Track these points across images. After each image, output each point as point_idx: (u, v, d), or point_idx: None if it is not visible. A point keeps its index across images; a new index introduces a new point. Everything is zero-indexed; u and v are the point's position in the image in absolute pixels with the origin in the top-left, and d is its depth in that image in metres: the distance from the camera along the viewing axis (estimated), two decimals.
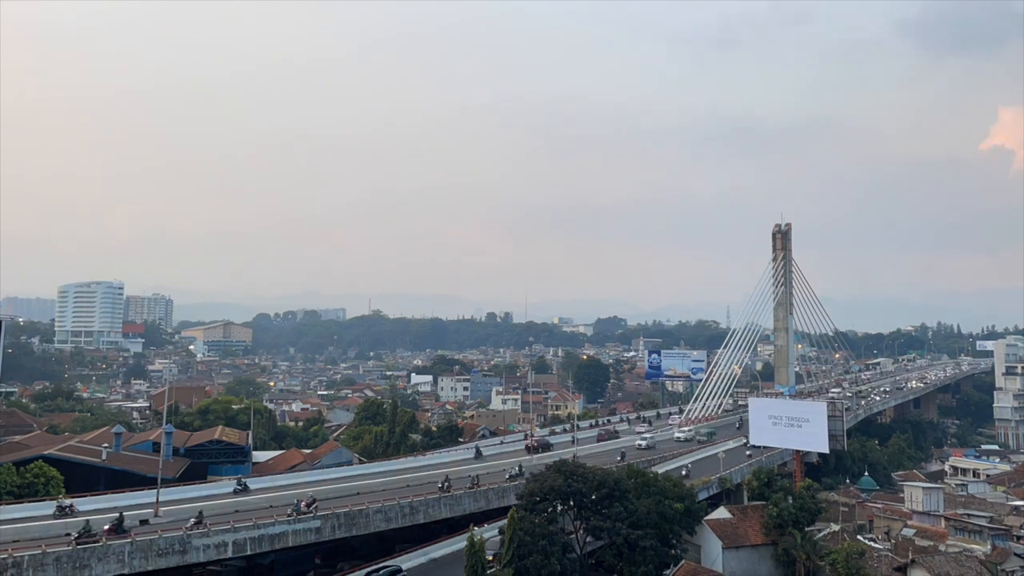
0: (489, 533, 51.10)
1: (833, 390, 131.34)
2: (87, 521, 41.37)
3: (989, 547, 56.61)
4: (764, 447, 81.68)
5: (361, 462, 78.34)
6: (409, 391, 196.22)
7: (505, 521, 46.91)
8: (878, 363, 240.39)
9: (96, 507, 48.78)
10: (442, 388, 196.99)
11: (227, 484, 59.23)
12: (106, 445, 74.17)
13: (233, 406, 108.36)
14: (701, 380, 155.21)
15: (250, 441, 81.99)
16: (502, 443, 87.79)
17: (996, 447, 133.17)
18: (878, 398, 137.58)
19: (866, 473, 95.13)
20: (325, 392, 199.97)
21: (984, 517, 64.14)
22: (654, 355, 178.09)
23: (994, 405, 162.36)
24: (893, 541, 60.21)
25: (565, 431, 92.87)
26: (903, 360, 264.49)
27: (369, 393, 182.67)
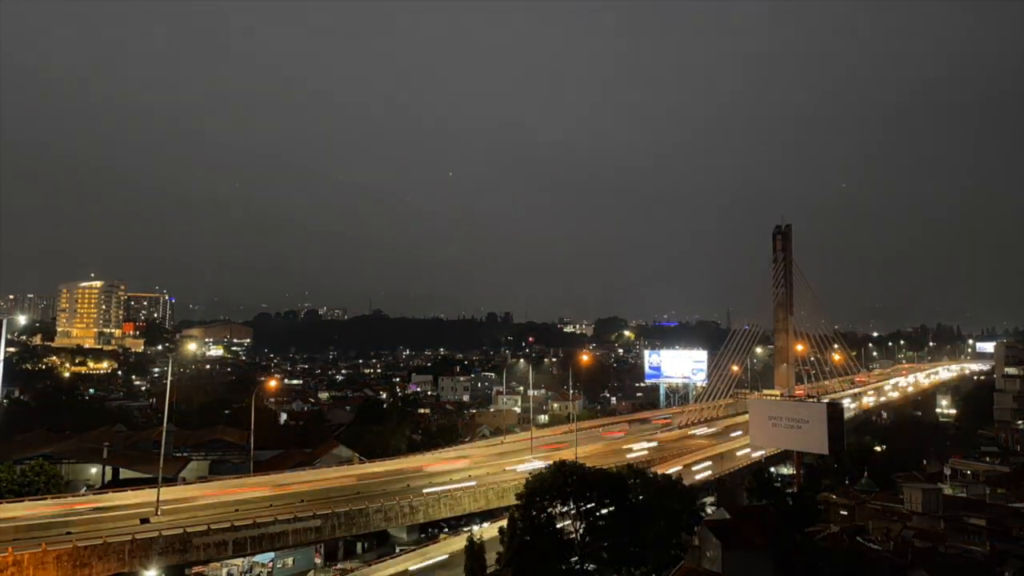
0: (489, 533, 51.24)
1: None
2: None
3: (988, 548, 56.66)
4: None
5: (361, 462, 78.46)
6: (409, 391, 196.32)
7: (505, 521, 47.06)
8: (876, 366, 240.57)
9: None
10: (442, 388, 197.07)
11: None
12: (107, 443, 74.39)
13: (233, 405, 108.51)
14: (701, 380, 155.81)
15: (250, 440, 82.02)
16: None
17: (996, 449, 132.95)
18: None
19: (865, 474, 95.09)
20: (325, 392, 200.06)
21: (983, 519, 64.16)
22: (654, 355, 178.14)
23: (994, 407, 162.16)
24: (892, 542, 60.22)
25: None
26: (904, 362, 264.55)
27: (369, 393, 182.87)
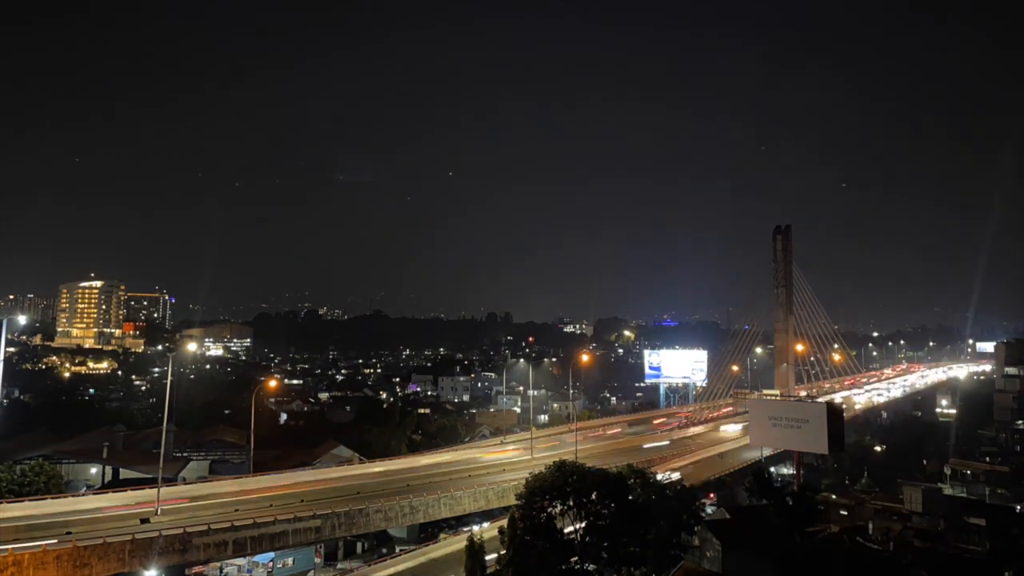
0: (489, 533, 51.24)
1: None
2: None
3: (988, 548, 56.74)
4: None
5: (361, 462, 78.50)
6: (409, 391, 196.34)
7: (505, 521, 47.07)
8: (876, 365, 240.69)
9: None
10: (442, 388, 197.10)
11: None
12: (107, 443, 74.45)
13: (233, 405, 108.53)
14: (701, 380, 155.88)
15: (251, 440, 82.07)
16: None
17: (996, 449, 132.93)
18: None
19: (865, 474, 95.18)
20: (325, 392, 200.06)
21: (983, 519, 64.23)
22: (654, 355, 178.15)
23: (994, 407, 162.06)
24: (892, 542, 60.24)
25: None
26: (904, 362, 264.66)
27: (369, 393, 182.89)
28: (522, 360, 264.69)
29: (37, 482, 57.15)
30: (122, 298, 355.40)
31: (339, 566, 64.45)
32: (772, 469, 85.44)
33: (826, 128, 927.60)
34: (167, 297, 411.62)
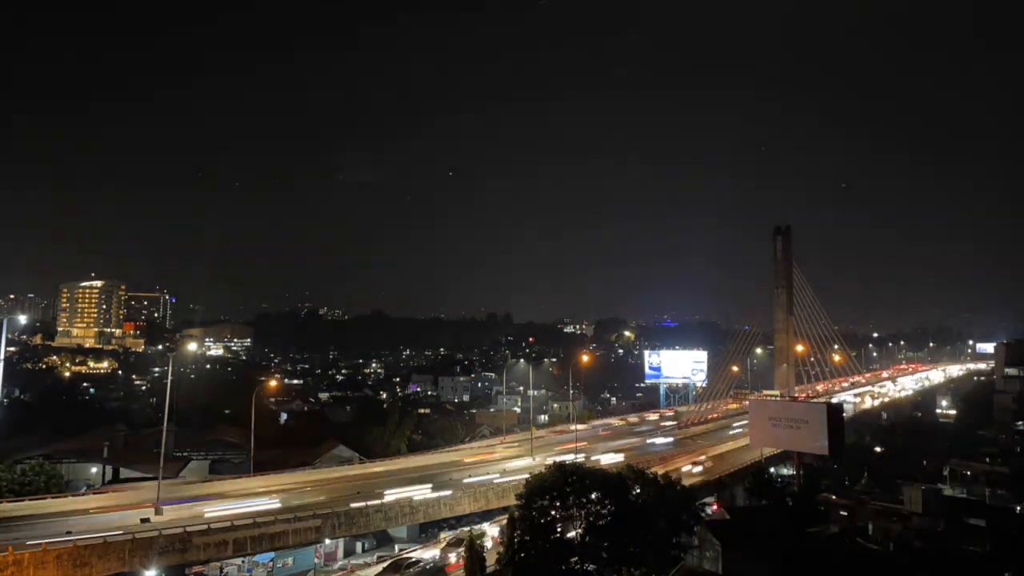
0: (489, 533, 51.28)
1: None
2: None
3: (988, 548, 56.66)
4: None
5: (361, 462, 78.51)
6: (409, 391, 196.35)
7: (505, 521, 47.10)
8: (876, 366, 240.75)
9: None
10: (442, 388, 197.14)
11: None
12: (107, 443, 74.48)
13: (233, 405, 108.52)
14: (701, 381, 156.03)
15: (251, 440, 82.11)
16: None
17: (995, 449, 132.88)
18: None
19: (865, 474, 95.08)
20: (325, 392, 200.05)
21: (983, 519, 64.18)
22: (654, 355, 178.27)
23: (994, 407, 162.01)
24: (892, 543, 60.20)
25: None
26: (904, 361, 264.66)
27: (369, 392, 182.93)
28: (522, 360, 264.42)
29: (37, 482, 57.16)
30: (122, 298, 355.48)
31: (339, 565, 64.48)
32: (772, 469, 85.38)
33: (826, 128, 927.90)
34: (167, 297, 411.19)
